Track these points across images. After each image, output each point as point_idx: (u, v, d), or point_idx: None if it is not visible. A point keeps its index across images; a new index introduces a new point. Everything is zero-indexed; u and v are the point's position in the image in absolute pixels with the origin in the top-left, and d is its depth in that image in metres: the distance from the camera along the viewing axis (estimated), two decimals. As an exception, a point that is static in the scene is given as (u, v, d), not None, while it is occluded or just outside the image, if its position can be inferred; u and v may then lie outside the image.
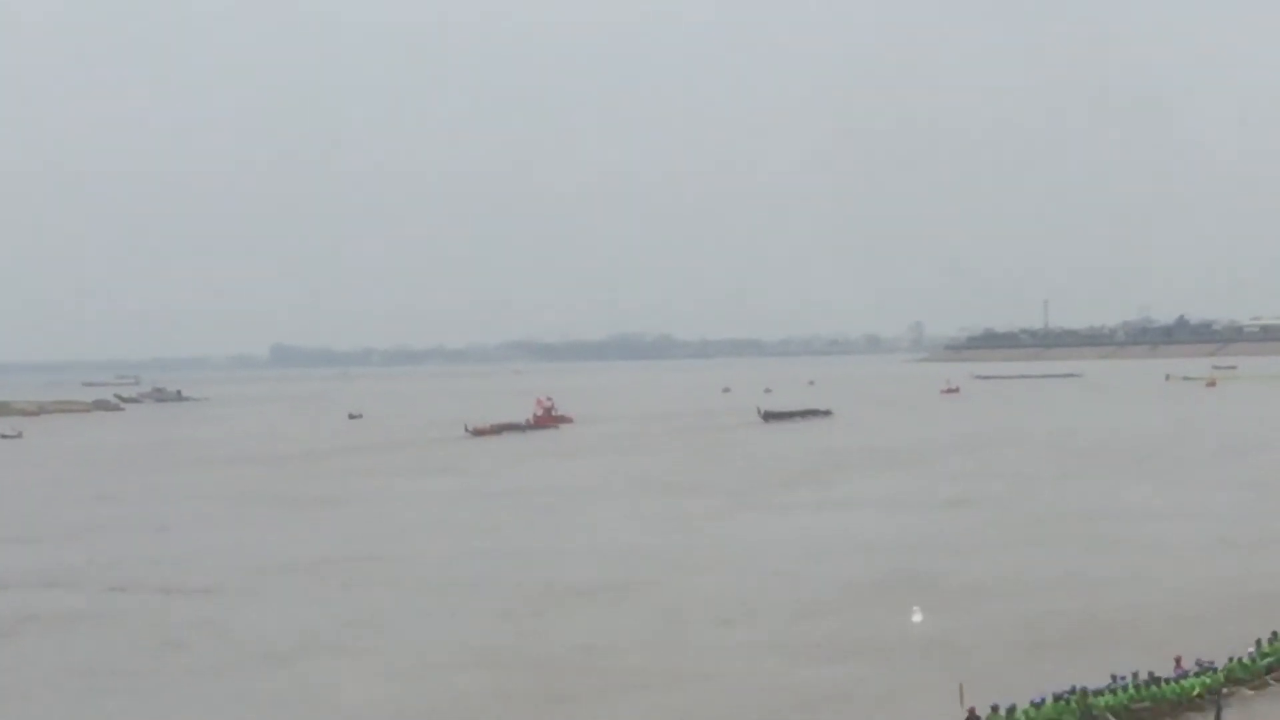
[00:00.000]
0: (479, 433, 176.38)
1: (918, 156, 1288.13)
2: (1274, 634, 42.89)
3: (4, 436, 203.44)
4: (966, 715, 35.80)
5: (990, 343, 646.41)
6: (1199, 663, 40.29)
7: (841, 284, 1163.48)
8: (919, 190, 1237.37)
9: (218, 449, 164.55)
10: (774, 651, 47.72)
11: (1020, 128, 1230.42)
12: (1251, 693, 40.11)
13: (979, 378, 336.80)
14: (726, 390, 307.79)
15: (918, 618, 51.42)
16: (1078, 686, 37.57)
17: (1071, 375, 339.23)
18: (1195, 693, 38.67)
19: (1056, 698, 36.95)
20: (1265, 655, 41.71)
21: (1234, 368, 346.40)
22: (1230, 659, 40.72)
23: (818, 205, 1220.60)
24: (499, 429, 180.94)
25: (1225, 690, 39.09)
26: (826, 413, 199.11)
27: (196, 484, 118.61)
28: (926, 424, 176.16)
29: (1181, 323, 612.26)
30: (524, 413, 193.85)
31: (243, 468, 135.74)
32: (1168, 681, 38.83)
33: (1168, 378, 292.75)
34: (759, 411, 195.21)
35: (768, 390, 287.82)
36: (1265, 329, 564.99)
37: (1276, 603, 51.24)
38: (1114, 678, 38.61)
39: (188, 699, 44.48)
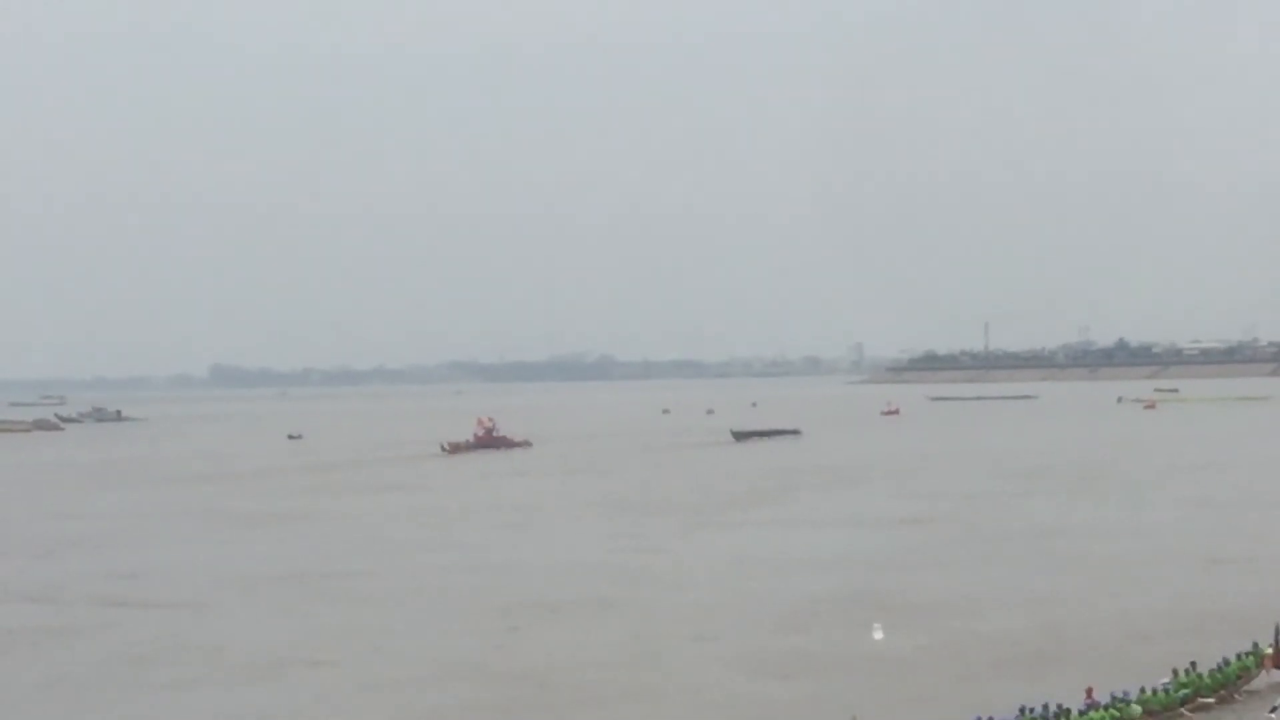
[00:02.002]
0: (455, 449, 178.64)
1: (859, 183, 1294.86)
2: (1192, 663, 42.20)
3: None
4: None
5: (931, 364, 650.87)
6: (1112, 694, 39.21)
7: (782, 306, 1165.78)
8: (859, 214, 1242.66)
9: (168, 468, 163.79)
10: (741, 667, 48.29)
11: (959, 154, 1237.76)
12: None
13: (934, 399, 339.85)
14: (666, 412, 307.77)
15: (879, 635, 52.03)
16: (982, 718, 37.14)
17: (1026, 397, 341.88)
18: None
19: None
20: (1182, 686, 40.90)
21: (1176, 390, 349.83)
22: (1143, 689, 39.89)
23: (760, 229, 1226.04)
24: (474, 446, 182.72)
25: None
26: (795, 432, 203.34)
27: (154, 502, 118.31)
28: (887, 444, 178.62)
29: (1121, 345, 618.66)
30: (466, 434, 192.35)
31: (198, 486, 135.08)
32: (1081, 713, 38.15)
33: (1120, 399, 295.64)
34: (730, 431, 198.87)
35: (710, 411, 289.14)
36: (1204, 352, 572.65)
37: (1220, 622, 52.19)
38: (1021, 710, 37.61)
39: (167, 713, 44.87)
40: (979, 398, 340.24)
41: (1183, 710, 40.12)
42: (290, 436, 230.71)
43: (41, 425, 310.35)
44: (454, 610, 61.48)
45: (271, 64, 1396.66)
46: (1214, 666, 42.29)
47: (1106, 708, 38.48)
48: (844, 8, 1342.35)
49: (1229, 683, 42.07)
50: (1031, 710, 37.61)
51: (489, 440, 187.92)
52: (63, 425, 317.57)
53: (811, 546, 79.55)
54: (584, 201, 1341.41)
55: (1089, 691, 39.45)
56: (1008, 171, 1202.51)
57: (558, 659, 50.27)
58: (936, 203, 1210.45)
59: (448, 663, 50.26)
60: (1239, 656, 43.25)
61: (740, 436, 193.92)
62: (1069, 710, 37.97)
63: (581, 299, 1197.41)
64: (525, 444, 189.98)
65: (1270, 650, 43.72)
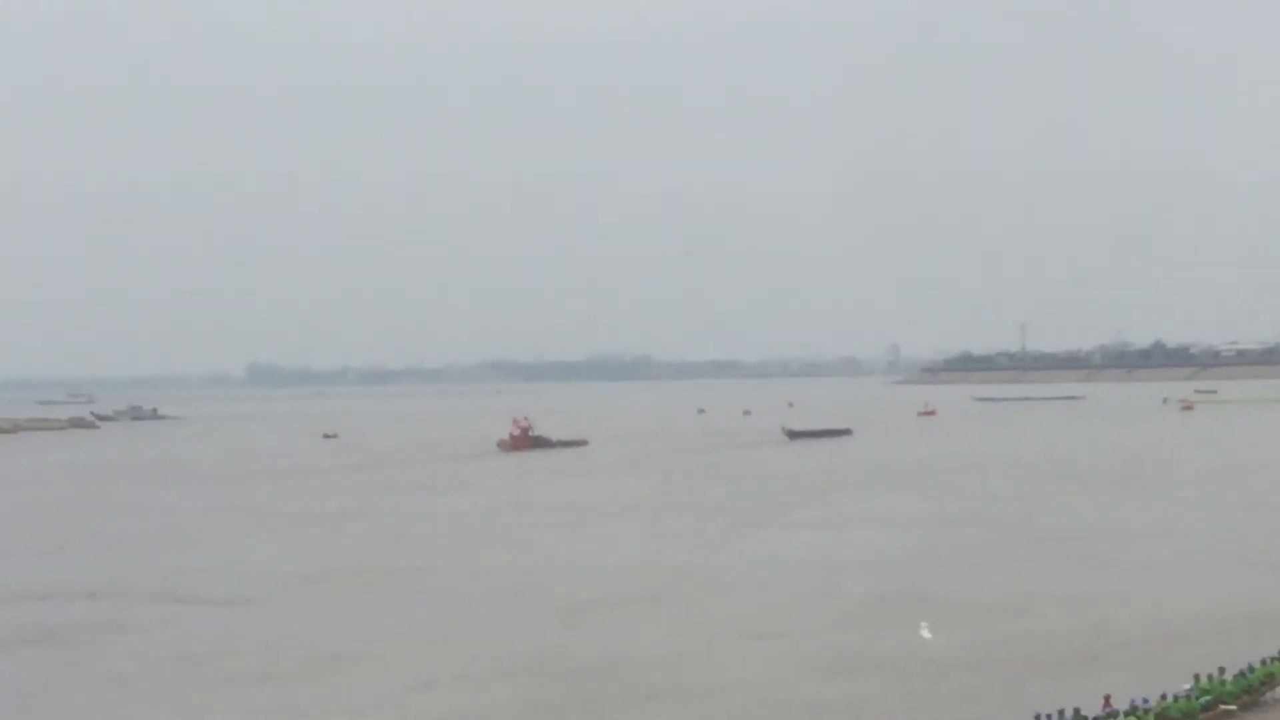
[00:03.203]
0: (510, 447, 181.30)
1: (896, 181, 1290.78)
2: (1220, 669, 41.55)
3: None
4: None
5: (968, 365, 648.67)
6: (1131, 700, 38.50)
7: (819, 307, 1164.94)
8: (896, 215, 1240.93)
9: (210, 467, 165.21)
10: (792, 666, 48.82)
11: (992, 153, 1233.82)
12: None
13: (978, 400, 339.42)
14: (701, 412, 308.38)
15: (927, 634, 52.13)
16: None
17: (1072, 398, 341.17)
18: None
19: None
20: (1203, 692, 39.97)
21: (1214, 391, 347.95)
22: (1163, 696, 39.01)
23: (797, 229, 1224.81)
24: (531, 444, 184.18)
25: None
26: (846, 431, 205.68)
27: (200, 500, 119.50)
28: (934, 444, 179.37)
29: (1158, 346, 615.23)
30: (505, 434, 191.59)
31: (242, 485, 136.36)
32: None
33: (1165, 400, 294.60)
34: (783, 430, 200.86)
35: (746, 412, 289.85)
36: (1241, 353, 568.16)
37: (1263, 625, 52.06)
38: (1037, 716, 37.00)
39: (227, 708, 45.55)
40: (1025, 398, 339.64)
41: (1203, 716, 39.40)
42: (325, 436, 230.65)
43: (77, 423, 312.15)
44: (509, 608, 62.11)
45: (311, 59, 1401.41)
46: (1238, 672, 41.71)
47: (1125, 715, 38.04)
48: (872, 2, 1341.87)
49: (1252, 689, 41.36)
50: (1048, 717, 37.13)
51: (542, 440, 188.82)
52: (99, 424, 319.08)
53: (861, 546, 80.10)
54: (620, 201, 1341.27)
55: (1106, 699, 38.84)
56: (1043, 171, 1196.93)
57: (613, 657, 50.89)
58: (972, 202, 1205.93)
59: (504, 660, 50.80)
60: (1264, 662, 42.62)
61: (793, 435, 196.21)
62: (1085, 717, 37.51)
63: (619, 299, 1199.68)
64: (580, 443, 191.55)
65: None
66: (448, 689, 46.69)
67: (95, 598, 68.09)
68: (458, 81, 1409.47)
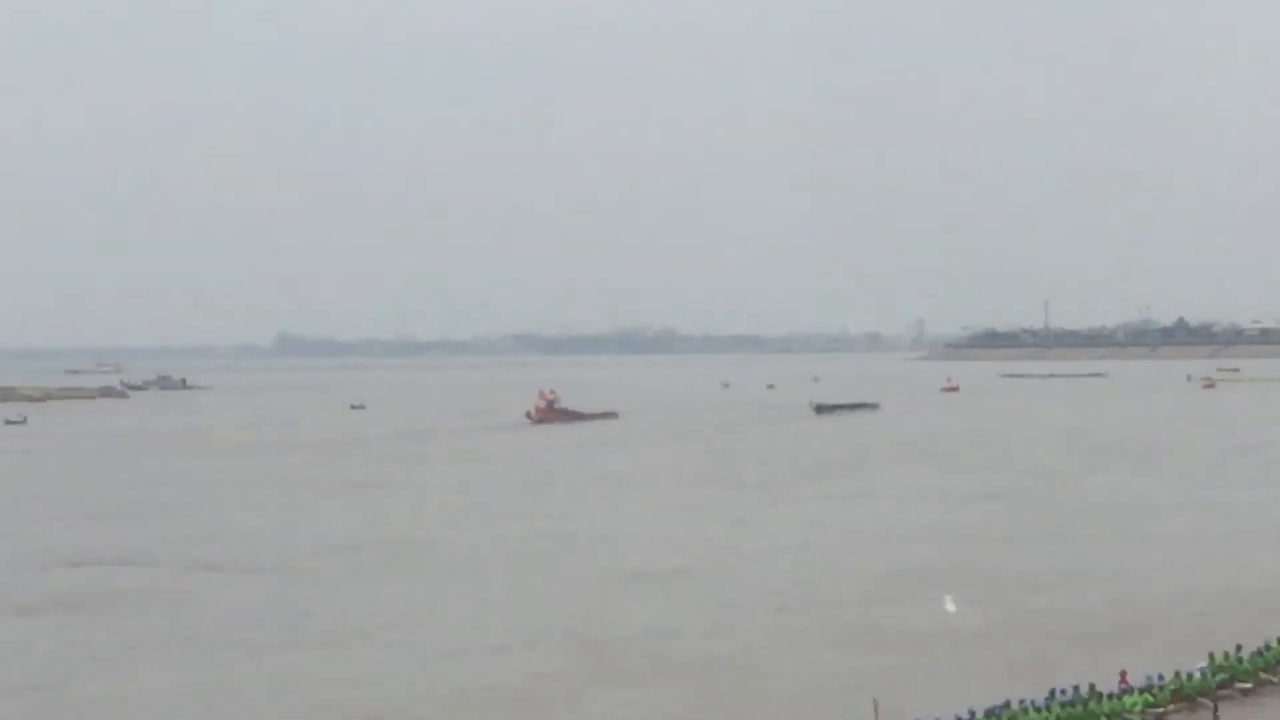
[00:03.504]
0: (540, 418, 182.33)
1: (921, 156, 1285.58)
2: (1238, 647, 41.78)
3: (9, 422, 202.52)
4: None
5: (991, 342, 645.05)
6: (1146, 677, 39.12)
7: (844, 282, 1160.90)
8: (922, 189, 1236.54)
9: (240, 436, 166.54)
10: (818, 638, 49.64)
11: (1021, 126, 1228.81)
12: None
13: (1005, 376, 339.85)
14: (726, 386, 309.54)
15: (951, 608, 52.75)
16: (1011, 700, 37.11)
17: (1096, 375, 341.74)
18: (1137, 710, 37.88)
19: (988, 713, 36.73)
20: (1219, 670, 40.34)
21: (1237, 370, 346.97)
22: (1177, 673, 39.56)
23: (822, 203, 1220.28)
24: (561, 416, 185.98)
25: (1172, 708, 38.53)
26: (874, 406, 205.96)
27: (231, 469, 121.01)
28: (961, 419, 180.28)
29: (1181, 324, 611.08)
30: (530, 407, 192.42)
31: (273, 454, 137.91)
32: (1110, 697, 37.96)
33: (1189, 378, 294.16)
34: (811, 404, 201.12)
35: (770, 386, 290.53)
36: (1265, 332, 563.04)
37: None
38: (1051, 692, 37.62)
39: (256, 674, 46.21)
40: (1050, 375, 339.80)
41: (1219, 694, 39.55)
42: (353, 407, 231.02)
43: (107, 393, 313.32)
44: (540, 579, 62.86)
45: (313, 43, 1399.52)
46: (1254, 650, 41.95)
47: (1141, 691, 38.49)
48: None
49: (1268, 668, 41.52)
50: (1062, 692, 37.74)
51: (573, 412, 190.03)
52: (128, 393, 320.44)
53: (886, 520, 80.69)
54: (649, 178, 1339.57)
55: (1123, 675, 39.42)
56: (1065, 151, 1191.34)
57: (643, 628, 51.52)
58: (996, 181, 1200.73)
59: (534, 630, 51.51)
60: (1279, 640, 42.80)
61: (821, 409, 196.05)
62: (1100, 693, 37.99)
63: (643, 273, 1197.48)
64: (610, 415, 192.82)
65: None
66: (479, 657, 47.41)
67: (127, 564, 69.28)
68: (464, 68, 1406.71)
